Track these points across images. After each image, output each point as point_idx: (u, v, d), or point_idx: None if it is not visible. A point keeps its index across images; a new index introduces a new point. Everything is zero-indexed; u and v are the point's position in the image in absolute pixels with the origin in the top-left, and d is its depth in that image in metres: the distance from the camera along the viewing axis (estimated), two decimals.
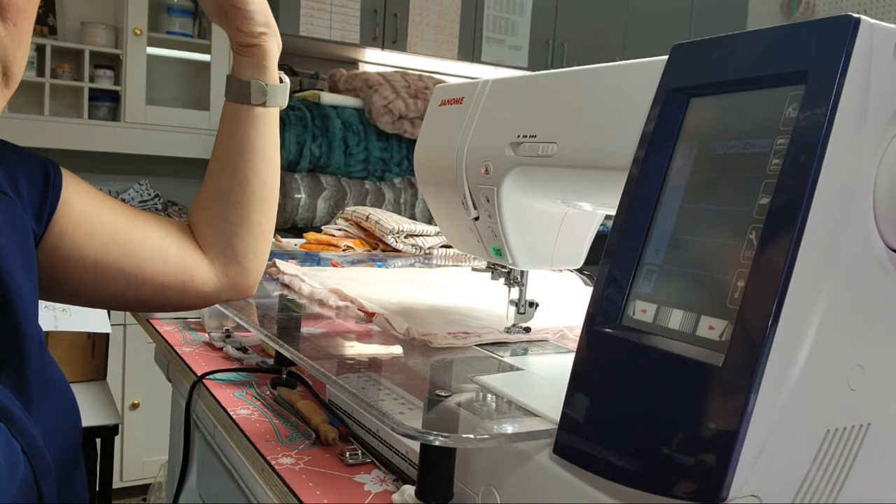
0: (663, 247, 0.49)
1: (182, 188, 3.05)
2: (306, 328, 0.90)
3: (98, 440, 1.63)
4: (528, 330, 0.82)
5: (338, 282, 1.07)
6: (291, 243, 1.66)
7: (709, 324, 0.45)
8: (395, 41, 3.12)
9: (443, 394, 0.61)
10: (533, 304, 0.82)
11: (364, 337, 0.86)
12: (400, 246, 1.55)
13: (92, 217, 0.68)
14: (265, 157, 0.76)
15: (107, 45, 2.69)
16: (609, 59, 0.66)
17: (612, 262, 0.51)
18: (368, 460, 0.73)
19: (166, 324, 1.24)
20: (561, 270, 1.24)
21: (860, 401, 0.46)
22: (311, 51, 3.10)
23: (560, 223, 0.79)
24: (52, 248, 0.66)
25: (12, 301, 0.55)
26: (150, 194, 2.91)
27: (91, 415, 1.61)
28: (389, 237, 1.55)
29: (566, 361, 0.53)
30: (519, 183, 0.72)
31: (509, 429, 0.54)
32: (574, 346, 0.62)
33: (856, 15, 0.43)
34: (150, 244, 0.71)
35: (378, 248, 1.58)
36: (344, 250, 1.55)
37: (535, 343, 0.81)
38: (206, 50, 2.82)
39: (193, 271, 0.74)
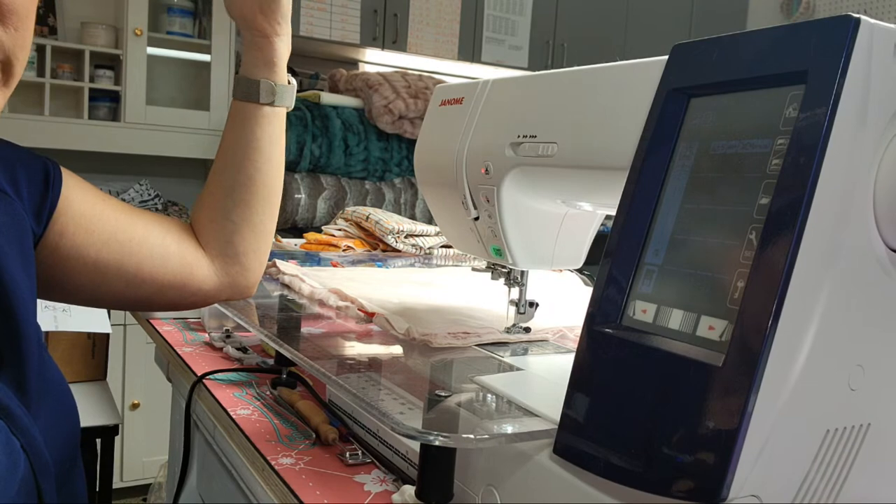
0: (663, 247, 0.49)
1: (182, 188, 3.05)
2: (306, 328, 0.90)
3: (98, 440, 1.63)
4: (528, 330, 0.82)
5: (338, 282, 1.07)
6: (291, 243, 1.66)
7: (709, 324, 0.45)
8: (395, 41, 3.12)
9: (443, 394, 0.61)
10: (533, 304, 0.82)
11: (364, 337, 0.86)
12: (400, 246, 1.55)
13: (92, 216, 0.68)
14: (271, 156, 0.76)
15: (107, 46, 2.69)
16: (609, 59, 0.66)
17: (612, 262, 0.51)
18: (368, 460, 0.73)
19: (166, 324, 1.24)
20: (561, 270, 1.24)
21: (860, 401, 0.46)
22: (311, 51, 3.10)
23: (560, 223, 0.79)
24: (53, 246, 0.66)
25: (11, 300, 0.55)
26: (150, 194, 2.91)
27: (91, 415, 1.62)
28: (389, 237, 1.55)
29: (566, 361, 0.53)
30: (519, 183, 0.72)
31: (509, 429, 0.54)
32: (574, 346, 0.62)
33: (856, 15, 0.43)
34: (151, 243, 0.71)
35: (378, 248, 1.58)
36: (344, 250, 1.55)
37: (535, 343, 0.81)
38: (206, 50, 2.82)
39: (193, 269, 0.74)
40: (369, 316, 0.89)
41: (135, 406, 2.57)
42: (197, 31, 2.87)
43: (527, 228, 0.77)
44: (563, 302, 0.98)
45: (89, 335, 1.77)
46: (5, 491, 0.48)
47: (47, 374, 0.59)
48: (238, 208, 0.75)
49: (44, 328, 1.35)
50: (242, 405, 0.88)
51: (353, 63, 3.35)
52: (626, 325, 0.50)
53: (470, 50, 3.30)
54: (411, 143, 2.76)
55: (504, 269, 0.82)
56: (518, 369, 0.71)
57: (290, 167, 2.58)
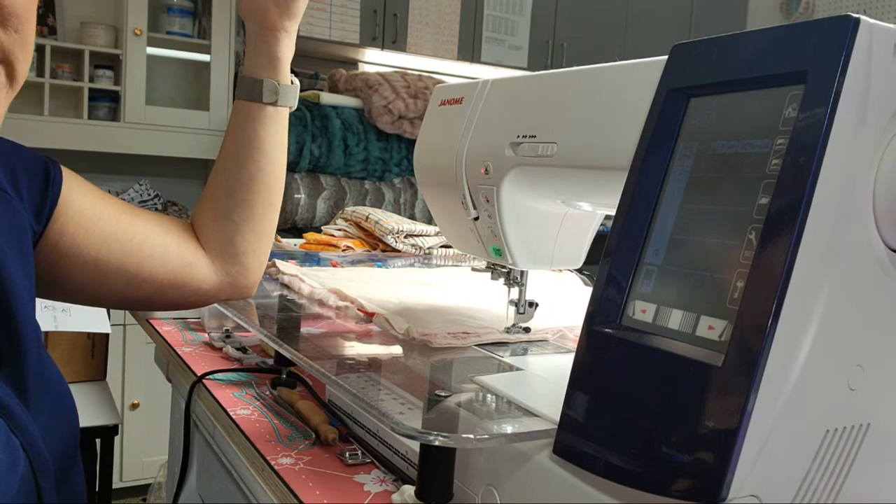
0: (663, 247, 0.49)
1: (182, 188, 3.05)
2: (306, 328, 0.90)
3: (98, 440, 1.63)
4: (527, 330, 0.82)
5: (338, 282, 1.07)
6: (291, 243, 1.66)
7: (709, 324, 0.45)
8: (395, 41, 3.12)
9: (443, 394, 0.61)
10: (533, 304, 0.82)
11: (364, 337, 0.86)
12: (400, 246, 1.55)
13: (92, 215, 0.68)
14: (273, 156, 0.76)
15: (107, 46, 2.69)
16: (609, 59, 0.66)
17: (611, 262, 0.51)
18: (368, 460, 0.73)
19: (166, 324, 1.24)
20: (561, 270, 1.24)
21: (860, 401, 0.46)
22: (310, 51, 3.10)
23: (560, 223, 0.79)
24: (53, 245, 0.66)
25: (10, 300, 0.55)
26: (149, 194, 2.91)
27: (91, 415, 1.62)
28: (389, 237, 1.55)
29: (566, 361, 0.53)
30: (519, 183, 0.72)
31: (509, 429, 0.54)
32: (574, 346, 0.62)
33: (855, 15, 0.43)
34: (151, 242, 0.72)
35: (378, 248, 1.58)
36: (344, 250, 1.55)
37: (534, 343, 0.81)
38: (206, 50, 2.82)
39: (193, 269, 0.74)
40: (369, 316, 0.89)
41: (134, 406, 2.57)
42: (197, 31, 2.87)
43: (526, 228, 0.77)
44: (563, 302, 0.98)
45: (89, 335, 1.77)
46: (5, 489, 0.48)
47: (46, 373, 0.59)
48: (239, 208, 0.76)
49: (43, 328, 1.35)
50: (242, 405, 0.88)
51: (353, 63, 3.35)
52: (626, 325, 0.50)
53: (470, 50, 3.30)
54: (411, 143, 2.77)
55: (504, 269, 0.82)
56: (518, 369, 0.71)
57: (290, 167, 2.58)
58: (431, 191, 0.86)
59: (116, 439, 1.66)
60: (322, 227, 1.74)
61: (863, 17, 0.43)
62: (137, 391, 2.57)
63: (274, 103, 0.76)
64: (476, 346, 0.78)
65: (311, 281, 1.08)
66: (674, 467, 0.43)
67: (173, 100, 2.94)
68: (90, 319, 1.59)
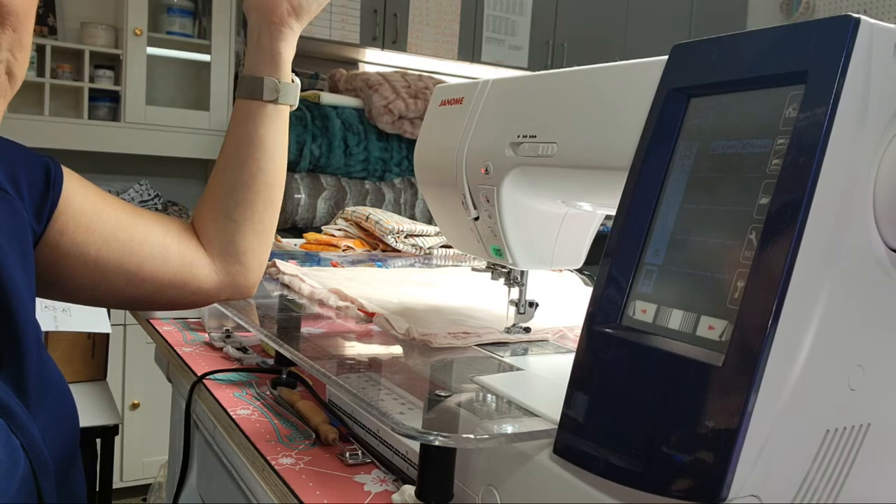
0: (663, 247, 0.49)
1: (182, 188, 3.05)
2: (306, 328, 0.90)
3: (98, 440, 1.63)
4: (528, 330, 0.82)
5: (338, 282, 1.07)
6: (291, 243, 1.66)
7: (709, 324, 0.45)
8: (395, 41, 3.12)
9: (443, 394, 0.61)
10: (533, 304, 0.82)
11: (364, 337, 0.86)
12: (400, 246, 1.55)
13: (93, 214, 0.68)
14: (274, 155, 0.76)
15: (107, 46, 2.69)
16: (609, 59, 0.66)
17: (612, 262, 0.51)
18: (368, 460, 0.73)
19: (166, 324, 1.24)
20: (561, 270, 1.24)
21: (860, 401, 0.46)
22: (311, 51, 3.10)
23: (560, 223, 0.79)
24: (53, 245, 0.66)
25: (10, 300, 0.55)
26: (150, 194, 2.92)
27: (91, 415, 1.62)
28: (389, 237, 1.55)
29: (566, 361, 0.53)
30: (519, 183, 0.72)
31: (509, 429, 0.54)
32: (574, 346, 0.62)
33: (856, 15, 0.43)
34: (151, 241, 0.72)
35: (378, 248, 1.58)
36: (344, 250, 1.55)
37: (535, 343, 0.81)
38: (206, 50, 2.82)
39: (194, 268, 0.74)
40: (369, 316, 0.89)
41: (135, 406, 2.57)
42: (197, 31, 2.87)
43: (527, 228, 0.77)
44: (563, 302, 0.98)
45: (89, 335, 1.77)
46: (5, 489, 0.48)
47: (46, 373, 0.59)
48: (240, 207, 0.76)
49: (44, 328, 1.35)
50: (242, 405, 0.88)
51: (353, 63, 3.35)
52: (626, 325, 0.50)
53: (470, 50, 3.30)
54: (411, 143, 2.77)
55: (504, 269, 0.82)
56: (518, 369, 0.71)
57: (290, 167, 2.58)
58: (431, 191, 0.86)
59: (117, 439, 1.66)
60: (322, 227, 1.74)
61: (863, 17, 0.43)
62: (137, 391, 2.57)
63: (275, 101, 0.76)
64: (476, 346, 0.78)
65: (312, 281, 1.08)
66: (674, 467, 0.43)
67: (173, 100, 2.94)
68: (90, 319, 1.59)
